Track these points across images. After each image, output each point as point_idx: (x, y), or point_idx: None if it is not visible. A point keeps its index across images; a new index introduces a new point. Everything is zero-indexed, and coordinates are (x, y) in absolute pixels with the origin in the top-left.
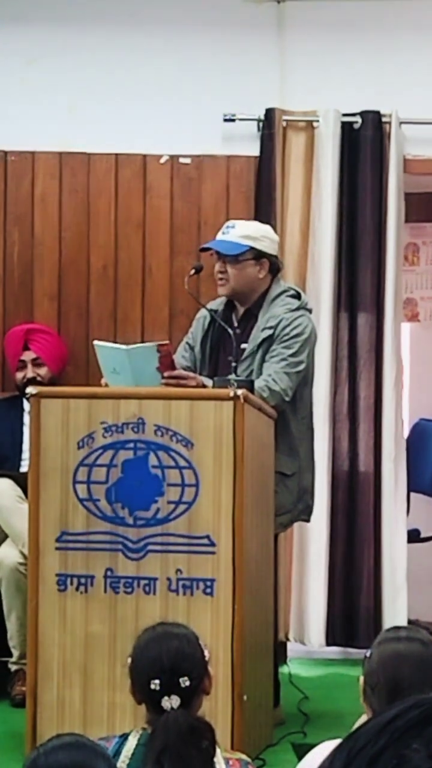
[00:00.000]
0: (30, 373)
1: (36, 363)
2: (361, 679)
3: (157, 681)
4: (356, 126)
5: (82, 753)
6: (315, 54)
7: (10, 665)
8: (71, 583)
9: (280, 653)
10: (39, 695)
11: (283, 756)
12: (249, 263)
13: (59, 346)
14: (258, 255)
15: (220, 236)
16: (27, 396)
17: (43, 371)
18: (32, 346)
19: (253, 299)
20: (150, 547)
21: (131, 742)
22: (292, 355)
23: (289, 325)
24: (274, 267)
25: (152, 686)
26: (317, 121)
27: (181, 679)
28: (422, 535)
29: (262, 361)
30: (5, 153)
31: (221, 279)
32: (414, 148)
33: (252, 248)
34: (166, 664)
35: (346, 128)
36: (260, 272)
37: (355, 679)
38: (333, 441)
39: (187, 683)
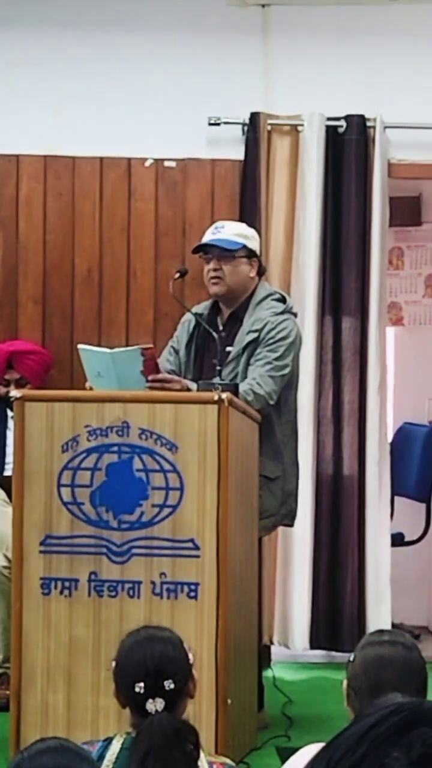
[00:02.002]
0: (13, 392)
1: (20, 383)
2: (345, 682)
3: (141, 684)
4: (341, 130)
5: (66, 757)
6: (300, 58)
7: None
8: (55, 587)
9: (264, 657)
10: (23, 699)
11: (267, 760)
12: (243, 261)
13: (44, 363)
14: (250, 254)
15: (210, 236)
16: (11, 399)
17: (26, 389)
18: (17, 366)
19: (241, 301)
20: (134, 551)
21: (115, 746)
22: (277, 359)
23: (274, 328)
24: (261, 268)
25: (137, 689)
26: (302, 125)
27: (165, 682)
28: (406, 539)
29: (247, 364)
30: None
31: (216, 278)
32: (398, 152)
33: (245, 246)
34: (150, 667)
35: (331, 132)
36: (251, 271)
37: (338, 682)
38: (317, 445)
39: (172, 686)
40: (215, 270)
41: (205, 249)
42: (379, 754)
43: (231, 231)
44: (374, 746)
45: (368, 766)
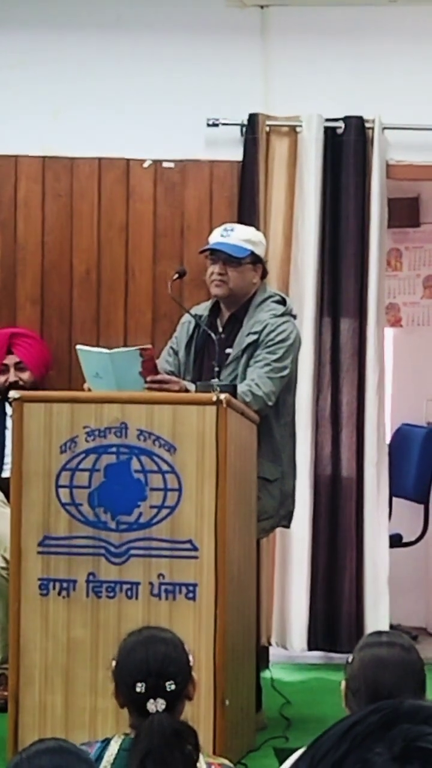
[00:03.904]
0: (12, 377)
1: (19, 367)
2: (343, 683)
3: (142, 684)
4: (339, 131)
5: (65, 758)
6: (298, 59)
7: None
8: (53, 588)
9: (262, 658)
10: (21, 700)
11: (265, 761)
12: (248, 267)
13: (42, 351)
14: (255, 260)
15: (219, 238)
16: (9, 400)
17: (25, 375)
18: (15, 350)
19: (241, 303)
20: (132, 552)
21: (113, 747)
22: (276, 360)
23: (274, 330)
24: (265, 272)
25: (137, 689)
26: (300, 126)
27: (167, 683)
28: (404, 540)
29: (247, 366)
30: None
31: (220, 280)
32: (397, 153)
33: (252, 252)
34: (152, 667)
35: (329, 133)
36: (255, 277)
37: (337, 683)
38: (315, 446)
39: (173, 687)
40: (220, 274)
41: (212, 250)
42: (362, 750)
43: (240, 236)
44: (357, 743)
45: (352, 762)
